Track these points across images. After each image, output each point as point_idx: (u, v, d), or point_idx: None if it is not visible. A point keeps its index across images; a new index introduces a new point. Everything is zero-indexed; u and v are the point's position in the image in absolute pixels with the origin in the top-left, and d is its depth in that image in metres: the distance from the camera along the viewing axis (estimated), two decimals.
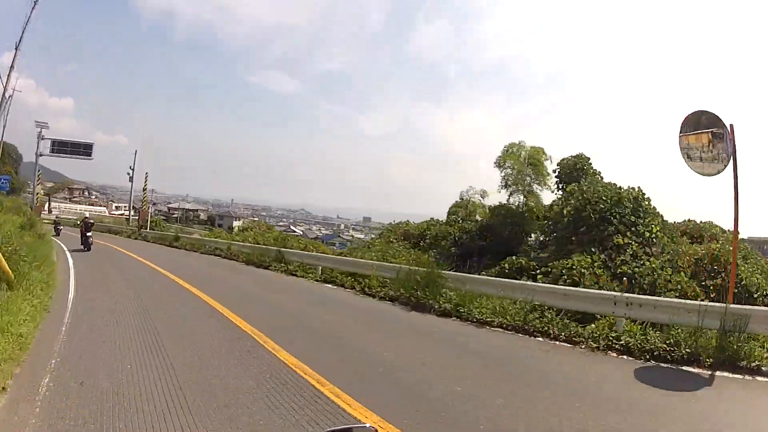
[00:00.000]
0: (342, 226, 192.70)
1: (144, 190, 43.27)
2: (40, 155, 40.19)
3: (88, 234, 21.58)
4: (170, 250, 27.81)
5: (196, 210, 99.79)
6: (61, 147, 41.81)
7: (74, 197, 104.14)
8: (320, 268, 14.99)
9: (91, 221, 22.75)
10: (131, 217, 49.63)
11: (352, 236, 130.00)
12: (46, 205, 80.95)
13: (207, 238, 28.01)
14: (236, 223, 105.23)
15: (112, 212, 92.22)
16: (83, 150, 42.56)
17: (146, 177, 43.80)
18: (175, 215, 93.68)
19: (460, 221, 24.07)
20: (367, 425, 1.97)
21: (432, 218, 26.58)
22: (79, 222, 26.13)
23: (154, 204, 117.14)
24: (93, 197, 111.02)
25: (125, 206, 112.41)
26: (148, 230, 39.20)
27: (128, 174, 46.22)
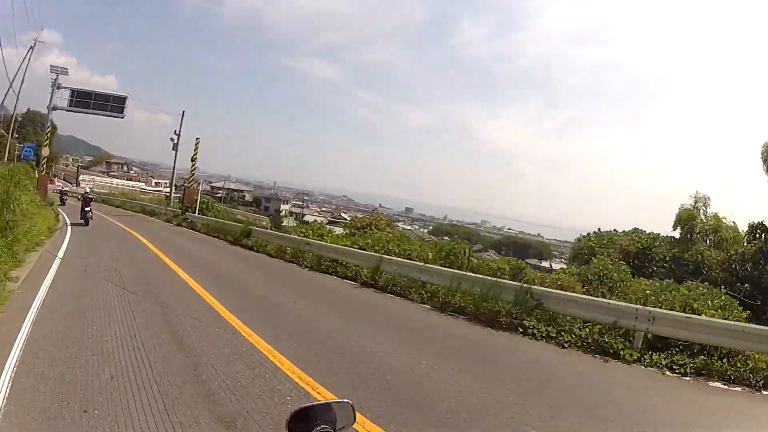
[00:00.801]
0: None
1: (193, 161, 32.32)
2: (54, 109, 29.63)
3: (87, 209, 21.87)
4: (241, 254, 16.59)
5: (241, 190, 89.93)
6: (83, 99, 31.10)
7: (112, 171, 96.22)
8: None
9: (91, 196, 23.12)
10: (172, 195, 39.02)
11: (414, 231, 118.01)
12: (57, 178, 75.04)
13: (295, 236, 16.27)
14: (283, 207, 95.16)
15: (148, 188, 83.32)
16: (113, 105, 31.68)
17: (197, 144, 32.87)
18: (219, 194, 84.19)
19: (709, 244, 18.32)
20: (345, 400, 1.68)
21: (636, 228, 21.16)
22: (78, 197, 26.47)
23: (197, 182, 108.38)
24: (132, 172, 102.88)
25: (166, 183, 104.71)
26: (195, 214, 28.16)
27: (172, 140, 35.55)
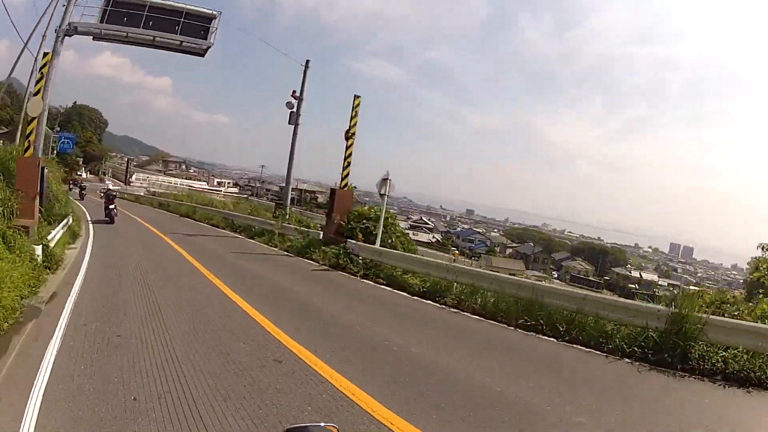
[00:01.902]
0: (448, 218, 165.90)
1: (350, 136, 16.06)
2: (72, 32, 14.46)
3: (111, 206, 20.32)
4: None
5: (314, 192, 75.65)
6: (127, 11, 16.19)
7: (169, 170, 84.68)
8: None
9: (114, 193, 22.20)
10: (288, 199, 23.60)
11: (486, 236, 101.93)
12: (83, 173, 67.44)
13: None
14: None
15: (214, 187, 70.22)
16: (188, 26, 16.54)
17: (355, 107, 16.59)
18: (292, 196, 70.29)
19: None
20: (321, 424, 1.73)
21: None
22: (101, 194, 25.26)
23: (267, 183, 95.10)
24: (191, 171, 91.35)
25: (229, 182, 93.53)
26: (359, 242, 13.40)
27: (289, 106, 20.51)
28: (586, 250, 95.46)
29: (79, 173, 62.35)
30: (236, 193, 66.25)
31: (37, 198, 11.09)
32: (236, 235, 19.40)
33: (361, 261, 12.64)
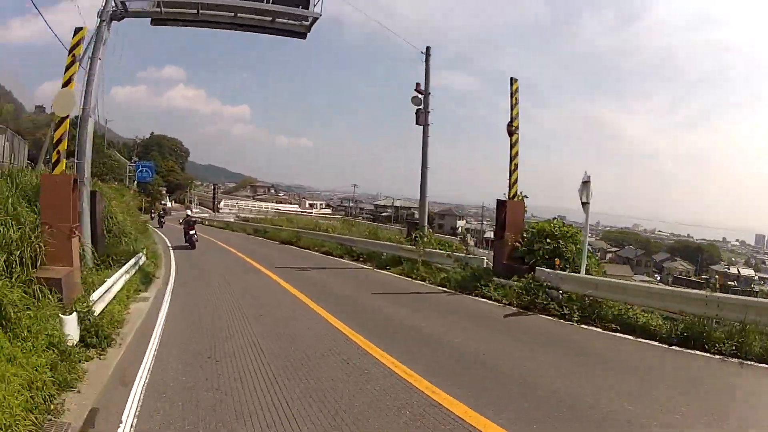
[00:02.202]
0: None
1: (513, 134, 11.38)
2: (123, 11, 11.18)
3: (191, 232, 19.41)
4: None
5: (409, 208, 71.70)
6: None
7: (258, 195, 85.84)
8: None
9: (194, 219, 21.08)
10: (423, 214, 19.09)
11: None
12: (167, 202, 65.79)
13: None
14: (459, 223, 75.04)
15: (306, 209, 69.24)
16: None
17: (513, 90, 11.86)
18: (385, 214, 66.92)
19: None
20: None
21: None
22: (180, 221, 22.06)
23: (358, 203, 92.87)
24: (281, 194, 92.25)
25: (320, 203, 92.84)
26: (558, 271, 8.15)
27: (416, 102, 16.59)
28: (682, 248, 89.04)
29: (162, 202, 61.82)
30: (330, 214, 64.44)
31: (77, 235, 7.22)
32: (360, 266, 15.07)
33: (561, 295, 8.54)
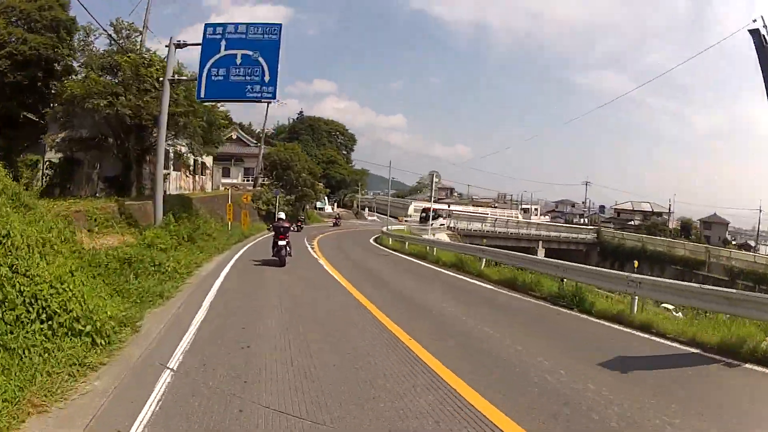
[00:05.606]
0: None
1: None
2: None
3: (281, 242, 13.09)
4: None
5: (660, 213, 59.65)
6: None
7: (441, 198, 78.16)
8: None
9: (286, 224, 13.72)
10: None
11: None
12: (326, 206, 55.60)
13: None
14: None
15: (527, 217, 63.91)
16: None
17: None
18: (633, 222, 55.95)
19: None
20: None
21: None
22: (268, 227, 16.33)
23: (599, 208, 78.00)
24: (505, 199, 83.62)
25: (534, 208, 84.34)
26: None
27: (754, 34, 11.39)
28: None
29: (319, 206, 49.75)
30: (547, 222, 58.52)
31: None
32: None
33: None
